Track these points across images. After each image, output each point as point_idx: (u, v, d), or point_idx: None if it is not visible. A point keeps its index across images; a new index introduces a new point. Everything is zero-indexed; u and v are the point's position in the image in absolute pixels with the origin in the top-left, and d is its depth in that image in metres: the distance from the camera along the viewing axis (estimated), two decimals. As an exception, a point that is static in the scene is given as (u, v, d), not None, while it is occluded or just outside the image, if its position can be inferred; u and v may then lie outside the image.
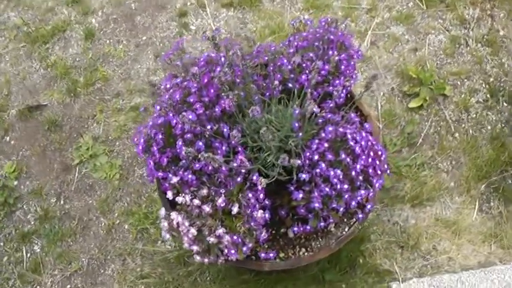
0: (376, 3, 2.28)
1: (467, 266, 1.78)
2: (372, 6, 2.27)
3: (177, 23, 2.37)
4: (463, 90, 2.11)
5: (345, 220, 1.50)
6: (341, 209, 1.32)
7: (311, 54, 1.44)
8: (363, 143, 1.33)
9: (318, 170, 1.29)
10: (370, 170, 1.35)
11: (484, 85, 2.12)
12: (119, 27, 2.39)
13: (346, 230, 1.48)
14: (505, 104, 2.10)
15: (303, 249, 1.49)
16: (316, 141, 1.33)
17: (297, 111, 1.28)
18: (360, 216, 1.38)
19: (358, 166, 1.31)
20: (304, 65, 1.41)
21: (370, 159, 1.34)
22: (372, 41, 2.20)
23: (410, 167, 1.94)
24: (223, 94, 1.26)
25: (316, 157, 1.30)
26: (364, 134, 1.35)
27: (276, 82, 1.36)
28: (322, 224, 1.33)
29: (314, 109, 1.29)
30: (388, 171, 1.42)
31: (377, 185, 1.36)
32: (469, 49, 2.19)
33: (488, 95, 2.10)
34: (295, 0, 2.33)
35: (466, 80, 2.13)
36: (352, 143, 1.32)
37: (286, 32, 2.17)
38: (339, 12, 2.26)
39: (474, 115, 2.07)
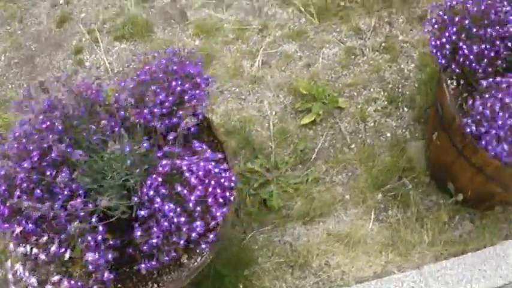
0: (268, 22, 2.92)
1: (362, 278, 2.24)
2: (263, 26, 2.91)
3: (72, 60, 3.00)
4: (360, 100, 2.67)
5: (197, 251, 1.87)
6: (181, 241, 1.68)
7: (153, 87, 1.91)
8: (200, 173, 1.71)
9: (156, 205, 1.66)
10: (210, 200, 1.71)
11: (382, 93, 2.69)
12: (20, 71, 3.02)
13: (199, 260, 1.86)
14: (405, 108, 2.65)
15: (155, 285, 1.87)
16: (154, 176, 1.69)
17: (127, 149, 1.72)
18: (203, 246, 1.77)
19: (193, 197, 1.66)
20: (146, 98, 1.88)
21: (210, 189, 1.72)
22: (264, 60, 2.81)
23: (303, 184, 2.44)
24: (51, 143, 1.69)
25: (151, 192, 1.66)
26: (202, 164, 1.77)
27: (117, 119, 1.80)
28: (166, 258, 1.71)
29: (145, 144, 1.73)
30: (232, 198, 1.78)
31: (218, 214, 1.72)
32: (366, 58, 2.78)
33: (386, 102, 2.66)
34: (186, 26, 2.96)
35: (363, 90, 2.70)
36: (187, 175, 1.69)
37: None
38: (230, 35, 2.90)
39: (372, 124, 2.61)
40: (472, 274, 2.33)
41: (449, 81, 2.19)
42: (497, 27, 2.06)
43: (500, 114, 1.90)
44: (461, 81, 2.18)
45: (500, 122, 1.90)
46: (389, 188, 2.48)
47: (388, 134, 2.64)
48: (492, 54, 2.06)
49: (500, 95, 1.93)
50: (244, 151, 2.61)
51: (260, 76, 2.82)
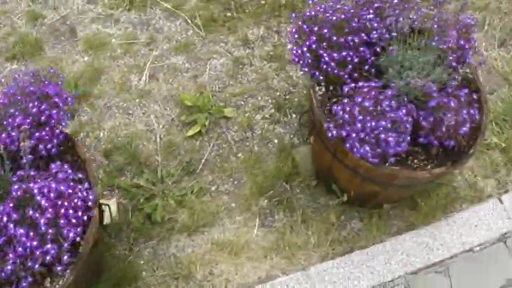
0: (155, 35, 2.94)
1: (246, 284, 2.26)
2: (150, 40, 2.92)
3: (-36, 86, 2.92)
4: (247, 109, 2.71)
5: (59, 273, 1.82)
6: (36, 266, 1.69)
7: (12, 110, 1.92)
8: (52, 195, 1.73)
9: (10, 231, 1.67)
10: (62, 221, 1.73)
11: (270, 100, 2.74)
12: None
13: (60, 282, 1.82)
14: (293, 115, 2.70)
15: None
16: (7, 201, 1.71)
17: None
18: (59, 268, 1.75)
19: (43, 220, 1.68)
20: (5, 122, 1.88)
21: (62, 210, 1.74)
22: (151, 74, 2.82)
23: (188, 195, 2.45)
24: None
25: (5, 218, 1.68)
26: (53, 185, 1.76)
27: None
28: (24, 284, 1.69)
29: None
30: (86, 218, 1.80)
31: (71, 235, 1.73)
32: (254, 68, 2.83)
33: (274, 110, 2.70)
34: (76, 43, 2.95)
35: (250, 99, 2.74)
36: (38, 198, 1.71)
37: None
38: (118, 50, 2.90)
39: (259, 132, 2.65)
40: (360, 271, 2.39)
41: (317, 88, 2.25)
42: (362, 34, 2.14)
43: (360, 117, 1.96)
44: (331, 87, 2.24)
45: (359, 125, 1.96)
46: (275, 193, 2.52)
47: (276, 141, 2.69)
48: (356, 60, 2.13)
49: (359, 99, 2.00)
50: (130, 167, 2.60)
51: (147, 90, 2.83)
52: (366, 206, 2.54)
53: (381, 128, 1.96)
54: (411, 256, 2.45)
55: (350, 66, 2.11)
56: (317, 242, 2.41)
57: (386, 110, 1.96)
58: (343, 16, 2.10)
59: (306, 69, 2.15)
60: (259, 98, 2.81)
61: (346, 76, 2.12)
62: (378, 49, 2.17)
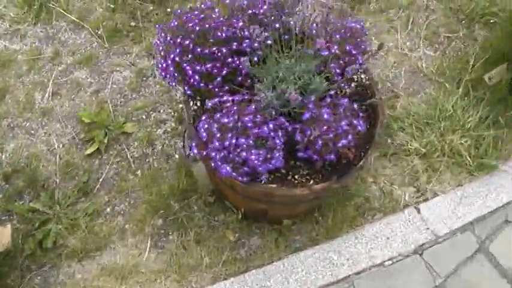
0: (60, 49, 2.88)
1: (131, 312, 2.18)
2: (55, 54, 2.86)
3: None
4: (148, 123, 2.64)
5: None
6: None
7: None
8: None
9: None
10: None
11: (172, 113, 2.66)
12: None
13: None
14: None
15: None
16: None
17: None
18: None
19: None
20: None
21: None
22: (55, 90, 2.76)
23: (82, 218, 2.39)
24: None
25: None
26: None
27: None
28: None
29: None
30: None
31: None
32: (157, 79, 2.74)
33: (175, 124, 2.62)
34: (-17, 63, 2.90)
35: (152, 112, 2.67)
36: None
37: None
38: (23, 66, 2.85)
39: (160, 147, 2.58)
40: (255, 291, 2.31)
41: (191, 102, 2.17)
42: (234, 44, 2.05)
43: (218, 135, 1.87)
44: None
45: (217, 144, 1.88)
46: (170, 212, 2.45)
47: (177, 156, 2.61)
48: (225, 71, 2.04)
49: (218, 115, 1.92)
50: (29, 190, 2.54)
51: (50, 108, 2.77)
52: (263, 222, 2.45)
53: (244, 146, 1.87)
54: (312, 273, 2.36)
55: (219, 79, 2.02)
56: (210, 262, 2.34)
57: (248, 125, 1.87)
58: (207, 26, 2.00)
59: (174, 84, 2.07)
60: (162, 111, 2.73)
61: (216, 89, 2.03)
62: (256, 58, 2.06)
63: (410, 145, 2.71)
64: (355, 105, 2.03)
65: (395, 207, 2.58)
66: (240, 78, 2.08)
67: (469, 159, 2.68)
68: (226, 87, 2.05)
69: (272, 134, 1.90)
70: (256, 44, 1.99)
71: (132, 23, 2.96)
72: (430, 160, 2.69)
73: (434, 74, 2.96)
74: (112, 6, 3.00)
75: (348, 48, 2.11)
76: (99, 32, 2.94)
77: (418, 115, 2.79)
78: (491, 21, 3.13)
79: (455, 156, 2.70)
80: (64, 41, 2.97)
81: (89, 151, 2.62)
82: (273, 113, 1.95)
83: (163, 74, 2.06)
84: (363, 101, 2.20)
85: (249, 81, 2.10)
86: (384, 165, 2.68)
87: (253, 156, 1.85)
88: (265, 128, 1.88)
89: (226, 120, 1.88)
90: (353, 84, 2.28)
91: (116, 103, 2.75)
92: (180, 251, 2.37)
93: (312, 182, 2.06)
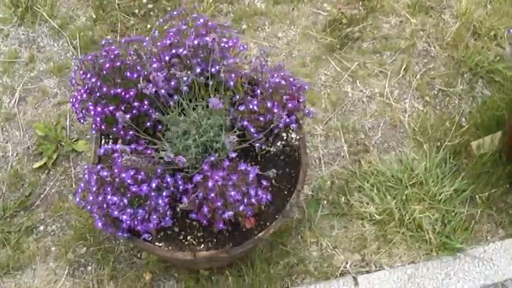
0: (37, 55, 2.99)
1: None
2: (31, 59, 2.99)
3: None
4: (100, 144, 2.70)
5: None
6: None
7: None
8: None
9: None
10: None
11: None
12: None
13: None
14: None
15: None
16: None
17: None
18: None
19: None
20: None
21: None
22: (22, 96, 2.90)
23: (15, 233, 2.53)
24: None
25: None
26: None
27: None
28: None
29: None
30: None
31: None
32: (122, 99, 2.80)
33: (127, 149, 2.68)
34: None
35: (107, 133, 2.73)
36: None
37: None
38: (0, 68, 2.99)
39: (106, 172, 2.64)
40: None
41: (103, 140, 2.22)
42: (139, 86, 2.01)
43: (94, 189, 1.91)
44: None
45: (90, 198, 1.92)
46: (96, 241, 2.53)
47: (120, 183, 2.67)
48: (128, 116, 2.01)
49: (99, 167, 1.95)
50: (-23, 198, 2.71)
51: (14, 114, 2.91)
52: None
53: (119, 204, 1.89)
54: (220, 331, 2.37)
55: (119, 124, 2.02)
56: (119, 304, 2.40)
57: (127, 182, 1.88)
58: (118, 63, 2.01)
59: (82, 122, 2.13)
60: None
61: (121, 133, 2.06)
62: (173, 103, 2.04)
63: (366, 208, 2.62)
64: (257, 172, 1.97)
65: (332, 274, 2.51)
66: (148, 124, 2.08)
67: (431, 235, 2.55)
68: (131, 132, 2.05)
69: (153, 193, 1.90)
70: (162, 91, 1.96)
71: (109, 36, 3.02)
72: (384, 228, 2.59)
73: (416, 131, 2.81)
74: (94, 16, 3.07)
75: (269, 105, 2.06)
76: (74, 42, 3.02)
77: (384, 176, 2.67)
78: (496, 79, 2.91)
79: (415, 230, 2.58)
80: (42, 46, 3.10)
81: (37, 164, 2.74)
82: (159, 170, 1.94)
83: (73, 108, 2.11)
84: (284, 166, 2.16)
85: (160, 127, 2.09)
86: (332, 226, 2.61)
87: (125, 216, 1.87)
88: (145, 187, 1.88)
89: (105, 173, 1.90)
90: (279, 143, 2.23)
91: (74, 118, 2.84)
92: (93, 285, 2.44)
93: (202, 246, 2.06)
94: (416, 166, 2.70)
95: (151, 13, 3.10)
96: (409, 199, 2.62)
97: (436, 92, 2.95)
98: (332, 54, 2.99)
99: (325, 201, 2.66)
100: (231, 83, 2.05)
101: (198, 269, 2.43)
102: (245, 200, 1.92)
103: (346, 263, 2.54)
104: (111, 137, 2.24)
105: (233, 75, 2.06)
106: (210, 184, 1.89)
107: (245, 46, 2.15)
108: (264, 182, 1.99)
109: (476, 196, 2.64)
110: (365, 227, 2.60)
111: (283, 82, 2.09)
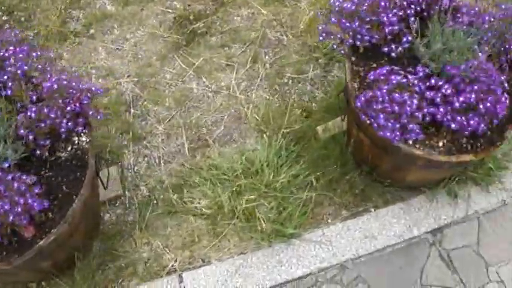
0: None
1: None
2: None
3: None
4: None
5: None
6: None
7: None
8: None
9: None
10: None
11: None
12: None
13: None
14: None
15: None
16: None
17: None
18: None
19: None
20: None
21: None
22: None
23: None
24: None
25: None
26: None
27: None
28: None
29: None
30: None
31: None
32: None
33: None
34: None
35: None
36: None
37: None
38: None
39: None
40: None
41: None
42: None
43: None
44: None
45: None
46: None
47: None
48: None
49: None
50: None
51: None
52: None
53: None
54: None
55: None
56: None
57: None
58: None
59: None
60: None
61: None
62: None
63: (198, 204, 2.54)
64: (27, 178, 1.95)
65: (158, 274, 2.43)
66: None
67: (265, 224, 2.45)
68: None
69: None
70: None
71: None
72: (215, 222, 2.49)
73: (259, 121, 2.72)
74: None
75: (45, 110, 2.04)
76: None
77: (219, 169, 2.59)
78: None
79: (247, 220, 2.48)
80: None
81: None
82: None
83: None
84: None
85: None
86: (165, 225, 2.54)
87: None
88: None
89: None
90: (70, 148, 2.19)
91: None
92: None
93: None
94: (255, 156, 2.60)
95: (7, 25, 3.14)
96: (243, 190, 2.52)
97: (286, 80, 2.86)
98: (178, 52, 2.95)
99: (160, 201, 2.59)
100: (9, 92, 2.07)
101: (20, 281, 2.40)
102: (15, 210, 1.89)
103: (175, 261, 2.45)
104: None
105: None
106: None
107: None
108: (36, 190, 1.95)
109: (313, 180, 2.52)
110: (196, 223, 2.52)
111: (55, 86, 2.06)
